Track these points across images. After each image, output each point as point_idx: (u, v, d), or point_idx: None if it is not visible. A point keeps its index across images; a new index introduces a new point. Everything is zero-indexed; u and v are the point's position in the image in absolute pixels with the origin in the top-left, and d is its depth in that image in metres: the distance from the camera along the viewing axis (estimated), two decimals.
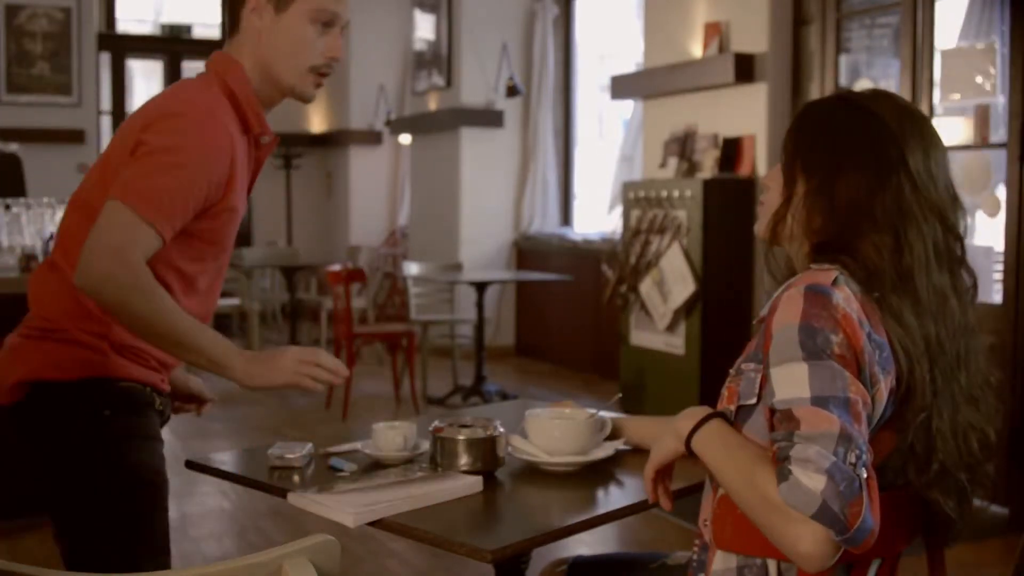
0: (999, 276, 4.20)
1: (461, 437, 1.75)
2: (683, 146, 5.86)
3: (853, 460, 1.22)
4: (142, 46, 10.57)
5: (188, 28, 10.62)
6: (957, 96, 4.39)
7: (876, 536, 1.23)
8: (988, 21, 4.48)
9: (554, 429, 1.82)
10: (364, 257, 9.36)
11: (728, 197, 5.36)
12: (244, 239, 10.33)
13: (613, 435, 1.93)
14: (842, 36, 5.17)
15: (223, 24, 10.60)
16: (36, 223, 4.27)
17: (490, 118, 8.34)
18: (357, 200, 10.26)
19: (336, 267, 6.55)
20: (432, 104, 8.86)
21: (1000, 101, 4.24)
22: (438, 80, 8.71)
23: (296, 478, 1.77)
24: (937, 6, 4.57)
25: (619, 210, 6.37)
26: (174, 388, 2.00)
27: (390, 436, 1.86)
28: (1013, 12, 4.18)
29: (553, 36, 8.42)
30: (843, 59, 5.19)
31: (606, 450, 1.85)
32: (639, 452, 1.87)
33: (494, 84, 8.31)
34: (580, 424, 1.84)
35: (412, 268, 6.83)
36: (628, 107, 7.44)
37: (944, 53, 4.51)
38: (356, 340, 6.31)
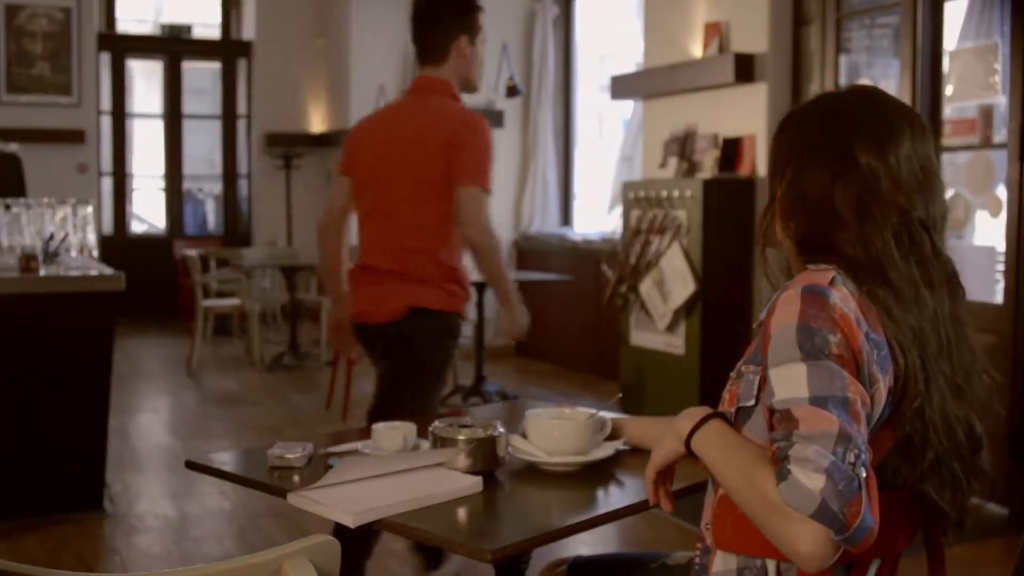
0: (1000, 276, 4.20)
1: (461, 437, 1.76)
2: (683, 146, 5.86)
3: (852, 459, 1.22)
4: (142, 46, 10.56)
5: (188, 28, 10.62)
6: (962, 96, 4.38)
7: (875, 535, 1.23)
8: (988, 21, 4.48)
9: (554, 429, 1.82)
10: None
11: (728, 197, 5.36)
12: (244, 239, 10.33)
13: (613, 435, 1.93)
14: (842, 36, 5.17)
15: (223, 25, 10.62)
16: (36, 223, 4.27)
17: (490, 118, 8.29)
18: None
19: None
20: None
21: (1003, 101, 4.24)
22: None
23: (296, 478, 1.77)
24: (944, 7, 4.57)
25: (619, 210, 6.37)
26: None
27: (390, 436, 1.87)
28: (1013, 12, 4.18)
29: (553, 36, 8.42)
30: (843, 59, 5.18)
31: (606, 450, 1.85)
32: (639, 452, 1.87)
33: (494, 84, 8.31)
34: (580, 424, 1.84)
35: None
36: (628, 107, 7.44)
37: (952, 54, 4.51)
38: None
